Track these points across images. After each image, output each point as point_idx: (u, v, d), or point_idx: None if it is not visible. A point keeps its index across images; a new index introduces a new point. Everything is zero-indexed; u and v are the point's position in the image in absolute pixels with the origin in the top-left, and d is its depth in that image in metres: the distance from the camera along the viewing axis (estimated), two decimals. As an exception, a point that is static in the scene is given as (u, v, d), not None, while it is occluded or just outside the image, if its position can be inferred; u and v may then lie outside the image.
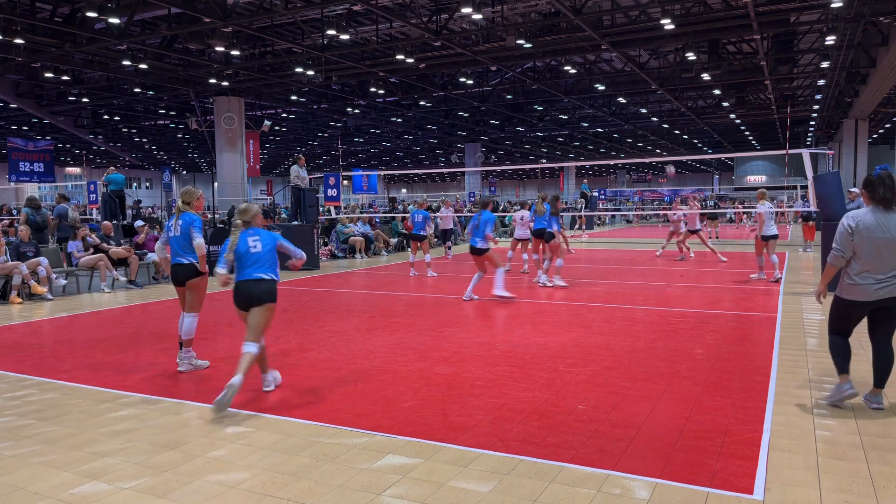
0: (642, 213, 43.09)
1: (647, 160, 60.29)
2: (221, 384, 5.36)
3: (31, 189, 29.42)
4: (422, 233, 13.17)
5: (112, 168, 17.29)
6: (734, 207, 38.51)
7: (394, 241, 20.25)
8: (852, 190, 13.83)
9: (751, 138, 52.18)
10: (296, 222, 15.55)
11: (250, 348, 4.84)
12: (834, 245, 4.50)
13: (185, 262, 5.75)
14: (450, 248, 18.17)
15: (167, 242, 5.87)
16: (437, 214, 18.42)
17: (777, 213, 12.88)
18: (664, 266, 14.22)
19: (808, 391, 4.95)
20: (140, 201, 25.31)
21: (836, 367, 4.64)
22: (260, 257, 5.00)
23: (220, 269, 5.04)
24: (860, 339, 5.08)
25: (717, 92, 29.69)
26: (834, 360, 4.65)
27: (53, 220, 13.54)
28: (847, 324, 4.58)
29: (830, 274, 4.60)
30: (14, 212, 27.21)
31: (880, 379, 4.50)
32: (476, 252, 9.56)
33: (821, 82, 27.57)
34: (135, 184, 67.62)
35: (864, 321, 4.61)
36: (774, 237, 11.13)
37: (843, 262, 4.47)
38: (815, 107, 34.44)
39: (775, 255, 11.31)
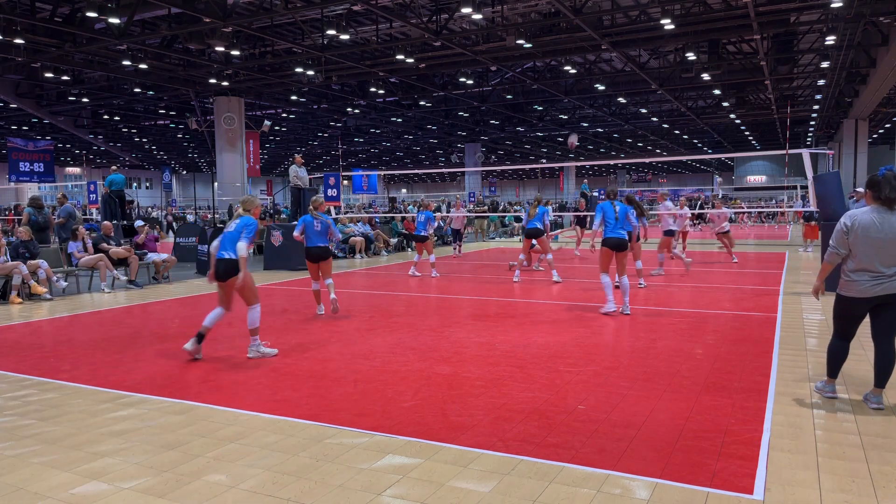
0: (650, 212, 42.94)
1: (647, 160, 60.32)
2: (222, 384, 5.37)
3: (32, 189, 29.42)
4: (422, 233, 13.14)
5: (114, 168, 17.29)
6: (735, 207, 38.48)
7: (394, 241, 20.25)
8: (858, 190, 13.83)
9: (751, 138, 52.18)
10: (295, 222, 15.53)
11: (329, 280, 8.48)
12: (830, 243, 4.59)
13: (227, 256, 6.02)
14: (460, 246, 18.23)
15: (220, 240, 6.20)
16: (449, 214, 18.37)
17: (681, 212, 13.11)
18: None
19: (808, 391, 4.95)
20: (132, 201, 25.22)
21: (827, 367, 4.76)
22: (319, 232, 8.35)
23: (296, 233, 8.41)
24: (861, 339, 5.09)
25: (717, 92, 29.70)
26: (827, 361, 4.75)
27: (62, 220, 13.53)
28: (847, 323, 4.59)
29: (826, 271, 4.67)
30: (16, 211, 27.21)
31: (881, 379, 4.50)
32: (621, 247, 8.25)
33: (821, 82, 27.57)
34: (135, 184, 67.63)
35: (868, 323, 4.62)
36: (673, 233, 12.49)
37: (839, 259, 4.54)
38: (815, 107, 34.45)
39: (665, 252, 12.62)
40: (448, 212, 26.25)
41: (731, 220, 16.58)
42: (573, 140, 17.87)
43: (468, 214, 20.00)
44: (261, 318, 6.40)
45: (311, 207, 8.51)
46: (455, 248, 18.40)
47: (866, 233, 4.37)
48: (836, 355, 4.68)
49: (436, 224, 13.61)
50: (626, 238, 8.28)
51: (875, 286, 4.36)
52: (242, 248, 5.93)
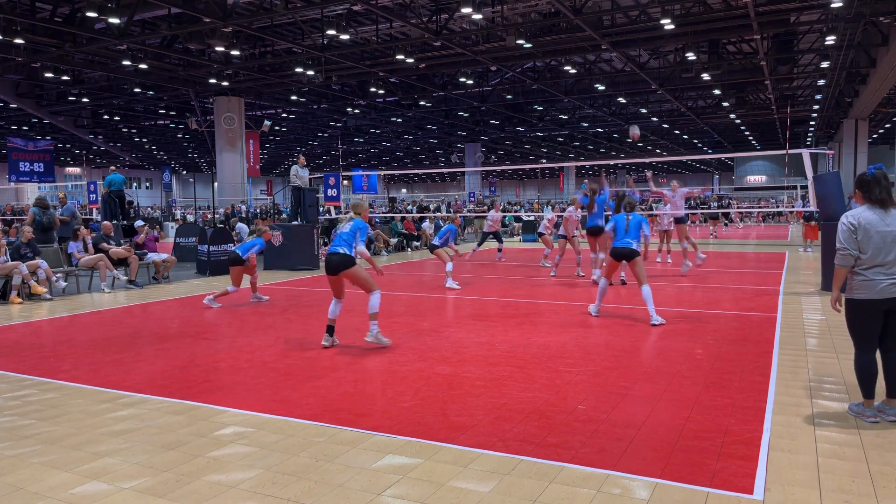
0: (650, 213, 42.98)
1: (647, 160, 60.30)
2: (222, 384, 5.37)
3: (32, 189, 29.43)
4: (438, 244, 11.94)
5: (112, 168, 17.30)
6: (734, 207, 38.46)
7: (394, 241, 20.25)
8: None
9: (751, 138, 52.20)
10: (296, 222, 15.54)
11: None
12: (838, 245, 4.29)
13: (341, 251, 6.54)
14: (500, 250, 16.91)
15: (335, 238, 6.81)
16: (488, 216, 17.51)
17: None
18: (663, 266, 14.21)
19: (808, 391, 4.95)
20: (131, 202, 25.19)
21: (860, 389, 4.35)
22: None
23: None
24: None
25: (717, 92, 29.71)
26: (859, 382, 4.35)
27: (64, 218, 13.52)
28: (866, 329, 4.28)
29: (841, 276, 4.32)
30: (15, 212, 27.17)
31: (893, 388, 4.27)
32: (626, 256, 8.00)
33: (821, 82, 27.58)
34: (135, 184, 67.63)
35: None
36: (685, 220, 13.43)
37: (852, 260, 4.24)
38: (815, 107, 34.46)
39: (686, 241, 12.96)
40: (462, 213, 26.04)
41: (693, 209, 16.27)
42: (636, 132, 16.33)
43: (501, 215, 18.86)
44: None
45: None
46: (496, 253, 16.95)
47: (873, 228, 4.18)
48: (866, 372, 4.27)
49: (454, 240, 12.24)
50: (634, 248, 8.00)
51: (891, 286, 4.14)
52: (363, 248, 6.68)
